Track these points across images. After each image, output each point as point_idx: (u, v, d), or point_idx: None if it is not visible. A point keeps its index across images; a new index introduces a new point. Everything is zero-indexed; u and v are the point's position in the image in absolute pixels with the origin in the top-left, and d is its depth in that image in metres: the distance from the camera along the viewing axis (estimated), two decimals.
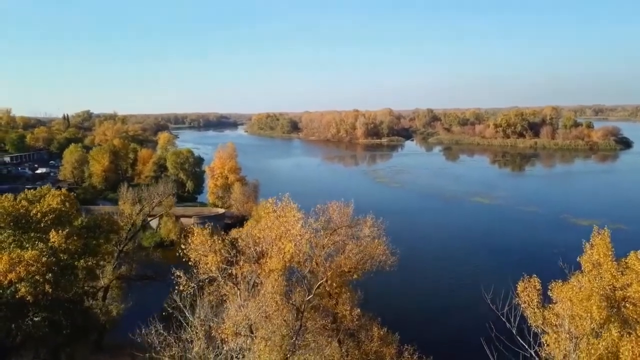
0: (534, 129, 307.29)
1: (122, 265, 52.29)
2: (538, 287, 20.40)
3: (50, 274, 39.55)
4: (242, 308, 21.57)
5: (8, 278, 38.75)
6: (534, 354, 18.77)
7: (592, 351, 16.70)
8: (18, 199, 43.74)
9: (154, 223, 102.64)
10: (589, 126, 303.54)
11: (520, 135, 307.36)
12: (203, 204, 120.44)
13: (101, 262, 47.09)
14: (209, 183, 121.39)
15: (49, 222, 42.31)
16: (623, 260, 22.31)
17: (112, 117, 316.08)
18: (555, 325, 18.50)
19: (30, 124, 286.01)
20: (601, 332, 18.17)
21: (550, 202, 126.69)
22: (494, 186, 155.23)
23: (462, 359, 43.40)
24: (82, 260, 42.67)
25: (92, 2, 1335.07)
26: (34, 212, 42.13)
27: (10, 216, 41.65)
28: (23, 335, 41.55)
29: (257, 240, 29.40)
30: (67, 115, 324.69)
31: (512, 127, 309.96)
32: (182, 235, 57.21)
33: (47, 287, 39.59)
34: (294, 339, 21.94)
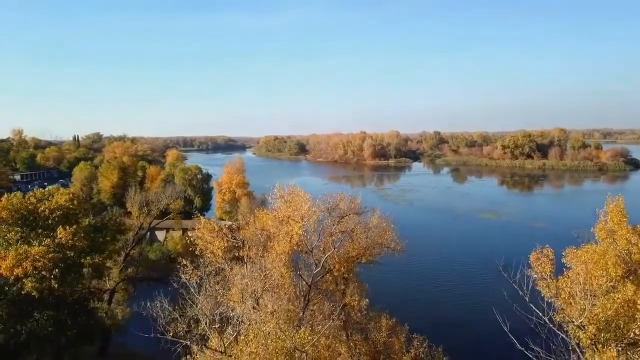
0: (542, 150, 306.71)
1: (129, 268, 52.08)
2: (551, 257, 19.93)
3: (56, 270, 39.40)
4: (247, 277, 21.19)
5: (14, 273, 38.57)
6: (547, 321, 18.22)
7: (608, 305, 16.15)
8: (27, 197, 43.92)
9: (160, 236, 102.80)
10: (598, 147, 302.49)
11: (529, 156, 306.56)
12: None
13: (108, 262, 46.86)
14: (216, 198, 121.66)
15: (56, 219, 42.32)
16: (638, 226, 21.79)
17: (122, 139, 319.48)
18: (570, 289, 17.93)
19: (41, 145, 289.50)
20: (617, 289, 17.60)
21: (561, 219, 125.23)
22: (503, 204, 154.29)
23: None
24: (88, 258, 42.43)
25: (103, 29, 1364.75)
26: (41, 209, 42.21)
27: (18, 213, 41.73)
28: (27, 334, 41.15)
29: (264, 226, 29.21)
30: (77, 136, 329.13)
31: (520, 148, 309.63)
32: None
33: (53, 282, 39.36)
34: (302, 313, 21.54)
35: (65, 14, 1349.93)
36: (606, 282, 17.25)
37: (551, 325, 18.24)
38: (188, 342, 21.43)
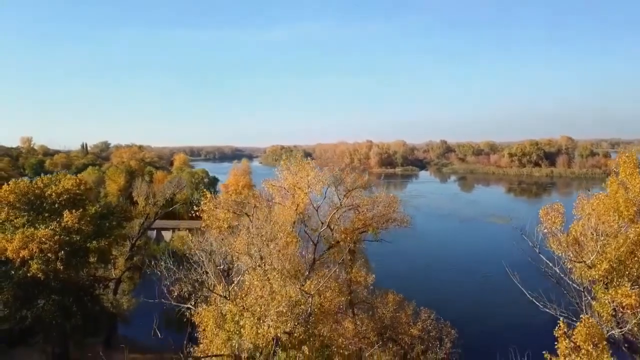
0: (550, 158, 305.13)
1: (134, 257, 51.99)
2: (562, 211, 19.58)
3: (62, 252, 39.38)
4: (253, 228, 21.00)
5: (20, 255, 38.59)
6: (558, 271, 17.86)
7: (621, 242, 15.76)
8: (34, 182, 44.10)
9: (167, 236, 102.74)
10: (606, 155, 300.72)
11: (536, 164, 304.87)
12: None
13: (114, 249, 46.76)
14: None
15: (63, 203, 42.40)
16: None
17: (129, 147, 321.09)
18: (582, 229, 17.57)
19: (50, 152, 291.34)
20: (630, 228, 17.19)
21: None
22: (510, 209, 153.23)
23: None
24: (94, 242, 42.36)
25: (108, 42, 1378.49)
26: (48, 192, 42.34)
27: (25, 197, 41.84)
28: (33, 318, 41.01)
29: (271, 196, 29.08)
30: (85, 144, 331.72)
31: (528, 157, 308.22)
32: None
33: (58, 264, 39.30)
34: (308, 272, 21.27)
35: (74, 25, 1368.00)
36: (618, 220, 16.87)
37: (562, 275, 17.90)
38: (191, 306, 21.21)
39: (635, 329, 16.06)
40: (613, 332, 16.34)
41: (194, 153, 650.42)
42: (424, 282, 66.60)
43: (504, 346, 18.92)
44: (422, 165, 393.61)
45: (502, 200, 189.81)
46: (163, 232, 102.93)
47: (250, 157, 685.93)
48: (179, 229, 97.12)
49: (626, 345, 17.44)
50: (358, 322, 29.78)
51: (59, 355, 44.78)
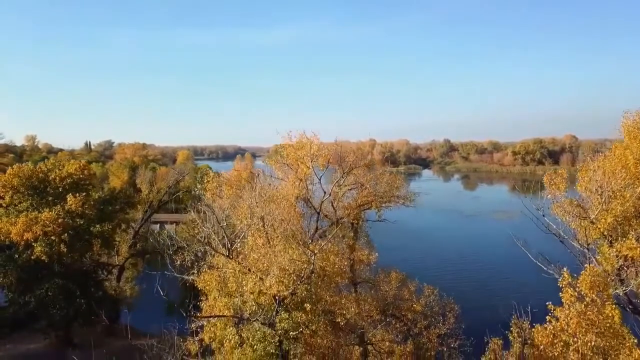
0: (553, 157, 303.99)
1: (137, 244, 52.03)
2: (565, 176, 19.49)
3: (65, 235, 39.44)
4: (255, 195, 20.93)
5: (24, 238, 38.67)
6: (562, 234, 17.77)
7: (627, 196, 15.62)
8: (38, 166, 44.21)
9: (170, 230, 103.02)
10: None
11: (540, 162, 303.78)
12: None
13: (117, 235, 46.74)
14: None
15: (66, 186, 42.48)
16: None
17: (133, 144, 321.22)
18: (587, 185, 17.41)
19: (53, 150, 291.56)
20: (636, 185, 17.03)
21: None
22: (513, 205, 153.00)
23: None
24: (98, 226, 42.40)
25: (110, 42, 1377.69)
26: (52, 176, 42.44)
27: (29, 181, 41.92)
28: (36, 302, 41.13)
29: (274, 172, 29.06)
30: (89, 142, 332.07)
31: (531, 155, 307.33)
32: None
33: (62, 247, 39.35)
34: (311, 240, 21.24)
35: (76, 27, 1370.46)
36: (626, 177, 16.67)
37: (565, 237, 17.82)
38: (194, 277, 21.19)
39: None
40: (617, 291, 16.27)
41: (197, 152, 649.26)
42: (427, 268, 66.99)
43: (506, 303, 18.86)
44: (425, 164, 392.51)
45: (505, 197, 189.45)
46: (166, 226, 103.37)
47: (254, 157, 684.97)
48: (182, 222, 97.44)
49: (630, 306, 17.39)
50: (361, 301, 29.71)
51: (62, 340, 44.90)
